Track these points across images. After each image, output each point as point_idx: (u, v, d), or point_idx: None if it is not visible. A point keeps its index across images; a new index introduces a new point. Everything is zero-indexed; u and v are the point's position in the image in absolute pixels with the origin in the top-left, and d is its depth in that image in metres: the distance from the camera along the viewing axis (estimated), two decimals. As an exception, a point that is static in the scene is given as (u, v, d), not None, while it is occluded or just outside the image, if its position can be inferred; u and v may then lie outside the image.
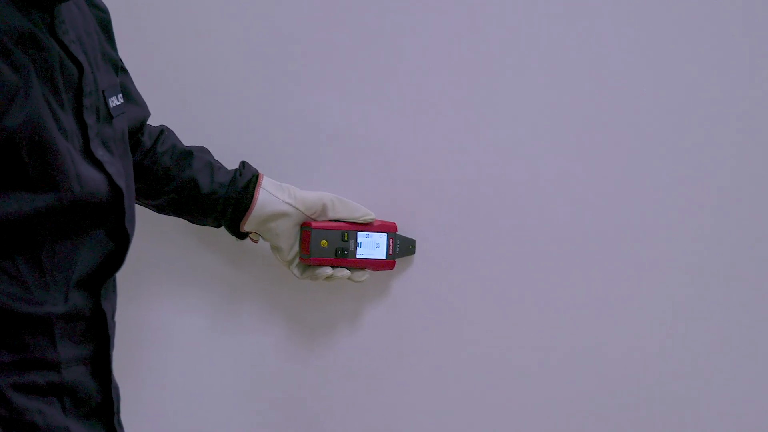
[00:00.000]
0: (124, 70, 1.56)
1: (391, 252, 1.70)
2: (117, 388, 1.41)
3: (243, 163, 1.67)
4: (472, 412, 1.73)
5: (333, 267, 1.66)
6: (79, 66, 1.33)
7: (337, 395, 1.73)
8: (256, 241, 1.67)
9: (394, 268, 1.71)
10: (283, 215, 1.64)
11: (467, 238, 1.73)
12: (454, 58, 1.70)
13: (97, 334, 1.36)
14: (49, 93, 1.27)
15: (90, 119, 1.34)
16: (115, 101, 1.40)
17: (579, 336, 1.73)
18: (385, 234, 1.70)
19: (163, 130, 1.65)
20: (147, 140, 1.62)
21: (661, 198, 1.71)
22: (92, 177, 1.31)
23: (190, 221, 1.67)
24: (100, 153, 1.34)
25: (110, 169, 1.35)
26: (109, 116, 1.39)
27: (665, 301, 1.73)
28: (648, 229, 1.72)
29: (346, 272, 1.67)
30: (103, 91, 1.37)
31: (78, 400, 1.33)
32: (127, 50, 1.52)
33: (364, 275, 1.68)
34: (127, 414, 1.52)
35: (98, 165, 1.33)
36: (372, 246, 1.69)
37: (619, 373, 1.73)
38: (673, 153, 1.70)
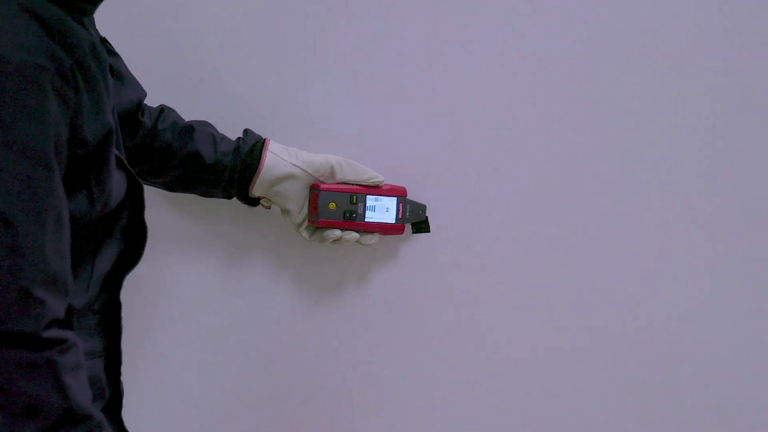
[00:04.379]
0: (116, 53, 1.54)
1: (400, 216, 1.68)
2: (121, 382, 1.42)
3: (246, 131, 1.67)
4: (477, 374, 1.73)
5: (341, 230, 1.66)
6: (112, 69, 1.36)
7: (343, 357, 1.73)
8: (268, 207, 1.68)
9: (404, 233, 1.69)
10: (290, 177, 1.64)
11: (478, 205, 1.71)
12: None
13: (109, 327, 1.38)
14: (108, 101, 1.31)
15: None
16: None
17: (582, 298, 1.73)
18: (395, 198, 1.68)
19: (163, 109, 1.65)
20: (147, 120, 1.62)
21: (670, 189, 1.69)
22: (116, 178, 1.34)
23: (200, 195, 1.67)
24: (116, 151, 1.36)
25: (129, 165, 1.39)
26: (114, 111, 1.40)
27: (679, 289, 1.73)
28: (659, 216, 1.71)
29: (354, 235, 1.67)
30: None
31: (93, 395, 1.32)
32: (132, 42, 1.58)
33: (372, 239, 1.68)
34: (137, 370, 1.60)
35: (119, 162, 1.36)
36: (381, 210, 1.67)
37: (632, 349, 1.74)
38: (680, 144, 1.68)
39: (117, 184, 1.34)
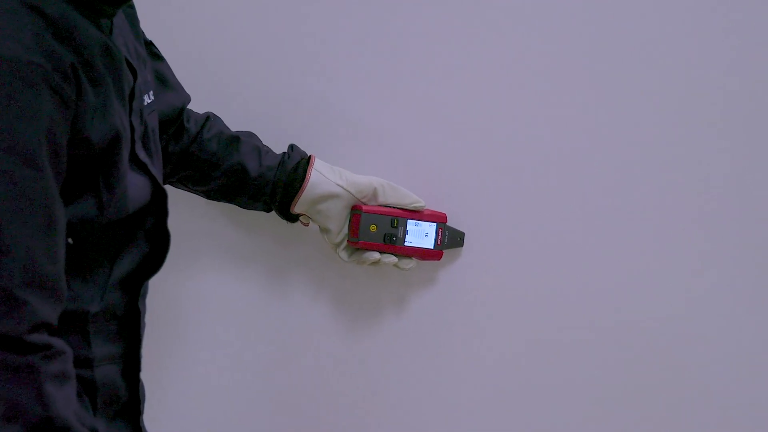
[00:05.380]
0: (161, 57, 1.56)
1: (439, 242, 1.69)
2: (143, 387, 1.41)
3: (291, 146, 1.67)
4: (515, 401, 1.74)
5: (380, 252, 1.67)
6: (134, 72, 1.34)
7: (377, 378, 1.74)
8: (306, 224, 1.68)
9: (441, 260, 1.70)
10: (333, 197, 1.64)
11: (516, 234, 1.72)
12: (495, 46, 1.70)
13: (129, 333, 1.37)
14: (119, 104, 1.29)
15: (135, 121, 1.36)
16: (147, 99, 1.41)
17: (627, 328, 1.73)
18: (435, 224, 1.68)
19: (209, 117, 1.64)
20: (192, 127, 1.62)
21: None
22: (136, 183, 1.33)
23: (240, 207, 1.67)
24: (142, 155, 1.36)
25: (153, 171, 1.38)
26: (144, 115, 1.40)
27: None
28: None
29: (393, 259, 1.67)
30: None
31: (107, 400, 1.33)
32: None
33: (410, 263, 1.69)
34: (166, 378, 1.63)
35: (142, 167, 1.35)
36: (420, 235, 1.68)
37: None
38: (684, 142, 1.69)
39: (138, 189, 1.33)
